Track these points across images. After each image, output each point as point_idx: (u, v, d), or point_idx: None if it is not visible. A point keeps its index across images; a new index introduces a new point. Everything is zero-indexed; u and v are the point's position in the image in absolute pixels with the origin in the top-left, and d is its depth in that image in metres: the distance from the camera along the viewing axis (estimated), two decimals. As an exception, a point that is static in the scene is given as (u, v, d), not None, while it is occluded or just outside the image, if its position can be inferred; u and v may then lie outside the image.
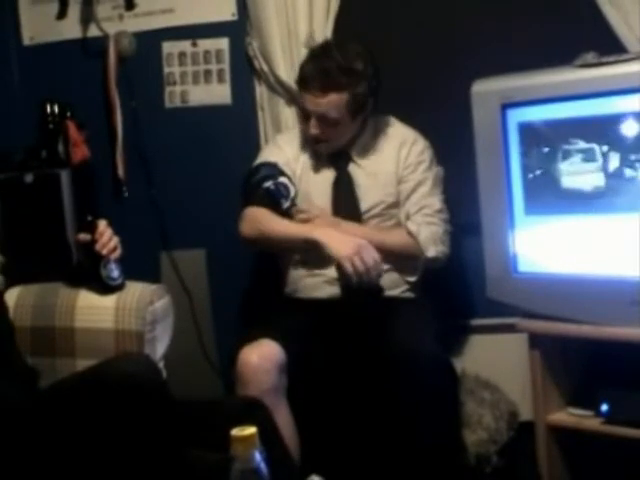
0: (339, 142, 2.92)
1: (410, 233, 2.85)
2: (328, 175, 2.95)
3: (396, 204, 2.92)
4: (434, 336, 2.65)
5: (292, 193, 2.90)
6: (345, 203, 2.91)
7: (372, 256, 2.70)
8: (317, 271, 2.92)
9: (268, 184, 2.88)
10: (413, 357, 2.56)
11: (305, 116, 2.89)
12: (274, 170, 2.91)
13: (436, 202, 2.90)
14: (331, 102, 2.80)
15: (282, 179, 2.90)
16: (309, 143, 2.96)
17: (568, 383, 2.73)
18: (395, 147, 2.93)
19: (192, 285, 3.44)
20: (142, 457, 1.96)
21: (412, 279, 2.93)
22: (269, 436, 2.15)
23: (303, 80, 2.85)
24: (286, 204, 2.89)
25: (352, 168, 2.94)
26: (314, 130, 2.85)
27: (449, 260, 2.92)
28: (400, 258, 2.87)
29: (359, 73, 2.80)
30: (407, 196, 2.90)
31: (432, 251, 2.85)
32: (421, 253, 2.84)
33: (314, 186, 2.95)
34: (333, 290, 2.90)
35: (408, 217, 2.88)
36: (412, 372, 2.56)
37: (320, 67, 2.80)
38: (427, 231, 2.85)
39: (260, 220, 2.86)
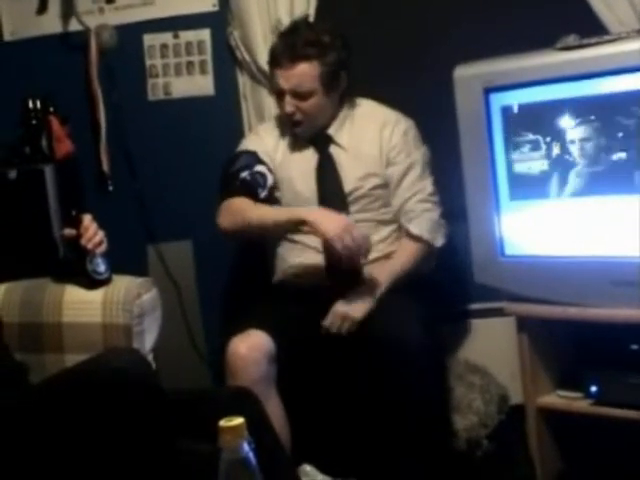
0: (316, 121, 2.90)
1: (415, 237, 2.86)
2: (310, 159, 2.94)
3: (382, 185, 2.91)
4: (421, 322, 2.65)
5: (269, 181, 2.90)
6: (329, 185, 2.91)
7: (361, 233, 2.69)
8: (303, 261, 2.92)
9: (244, 174, 2.88)
10: (400, 343, 2.57)
11: (279, 95, 2.89)
12: (252, 159, 2.91)
13: (428, 185, 2.91)
14: (302, 73, 2.81)
15: (259, 168, 2.90)
16: (288, 128, 2.95)
17: (557, 365, 2.74)
18: (376, 128, 2.93)
19: (179, 277, 3.43)
20: (134, 451, 1.95)
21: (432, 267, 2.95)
22: (259, 425, 2.15)
23: (273, 58, 2.88)
24: (263, 193, 2.90)
25: (333, 149, 2.94)
26: (289, 108, 2.85)
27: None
28: (417, 266, 2.89)
29: (326, 44, 2.83)
30: (399, 181, 2.90)
31: (439, 240, 2.88)
32: (433, 248, 2.88)
33: (297, 171, 2.94)
34: (321, 279, 2.89)
35: (403, 205, 2.89)
36: (399, 358, 2.57)
37: (288, 41, 2.85)
38: (427, 223, 2.87)
39: (240, 210, 2.85)
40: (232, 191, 2.88)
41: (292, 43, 2.83)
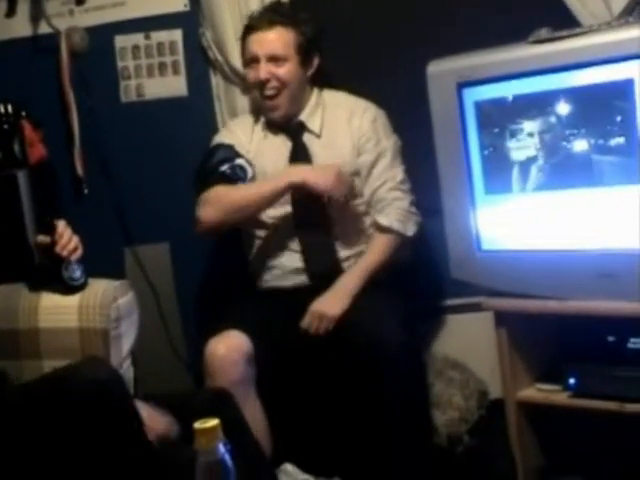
0: (290, 96, 2.89)
1: (385, 228, 2.86)
2: (283, 148, 2.94)
3: (355, 174, 2.91)
4: (400, 320, 2.66)
5: (249, 174, 2.89)
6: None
7: (347, 176, 2.81)
8: (282, 262, 2.91)
9: (224, 168, 2.87)
10: (380, 342, 2.57)
11: (252, 63, 2.89)
12: (230, 152, 2.91)
13: (398, 173, 2.91)
14: (278, 37, 2.85)
15: (239, 161, 2.89)
16: (262, 110, 2.96)
17: (536, 359, 2.75)
18: (346, 116, 2.94)
19: (157, 279, 3.41)
20: (109, 461, 1.95)
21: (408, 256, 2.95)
22: (237, 427, 2.15)
23: (248, 25, 2.92)
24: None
25: (307, 138, 2.94)
26: (264, 74, 2.85)
27: (415, 243, 2.93)
28: (390, 258, 2.88)
29: (302, 18, 2.90)
30: (369, 170, 2.90)
31: (410, 229, 2.88)
32: (404, 238, 2.87)
33: (270, 161, 2.93)
34: (298, 279, 2.90)
35: (374, 194, 2.89)
36: (379, 356, 2.57)
37: (266, 9, 2.95)
38: (397, 212, 2.87)
39: (224, 196, 2.84)
40: (211, 183, 2.87)
41: (271, 8, 2.93)
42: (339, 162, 2.84)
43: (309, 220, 2.89)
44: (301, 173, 2.80)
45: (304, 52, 2.88)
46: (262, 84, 2.87)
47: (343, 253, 2.88)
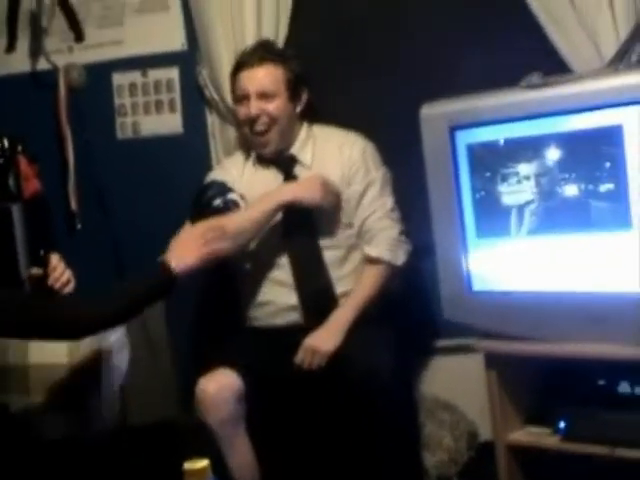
0: (280, 131, 2.91)
1: (374, 259, 2.87)
2: (274, 182, 2.96)
3: (345, 202, 2.93)
4: (392, 350, 2.67)
5: (242, 208, 2.90)
6: (295, 206, 2.89)
7: (332, 186, 2.85)
8: (274, 299, 2.92)
9: (217, 202, 2.88)
10: (371, 374, 2.57)
11: (243, 101, 2.91)
12: (222, 187, 2.92)
13: (387, 202, 2.93)
14: (268, 73, 2.89)
15: (231, 195, 2.90)
16: (251, 151, 2.99)
17: (526, 401, 2.74)
18: (336, 147, 2.96)
19: (148, 315, 3.38)
20: None
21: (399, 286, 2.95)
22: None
23: (239, 63, 2.95)
24: None
25: (298, 170, 2.96)
26: (254, 110, 2.88)
27: (406, 283, 2.94)
28: (382, 290, 2.89)
29: (290, 55, 2.97)
30: (359, 201, 2.92)
31: (400, 258, 2.89)
32: (395, 267, 2.88)
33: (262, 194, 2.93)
34: (291, 317, 2.90)
35: (363, 224, 2.90)
36: (371, 389, 2.56)
37: (255, 47, 2.98)
38: (386, 242, 2.88)
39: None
40: (205, 217, 2.87)
41: (261, 46, 2.98)
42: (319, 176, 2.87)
43: (303, 254, 2.90)
44: (288, 192, 2.84)
45: (293, 87, 2.92)
46: (252, 121, 2.90)
47: (339, 288, 2.89)
